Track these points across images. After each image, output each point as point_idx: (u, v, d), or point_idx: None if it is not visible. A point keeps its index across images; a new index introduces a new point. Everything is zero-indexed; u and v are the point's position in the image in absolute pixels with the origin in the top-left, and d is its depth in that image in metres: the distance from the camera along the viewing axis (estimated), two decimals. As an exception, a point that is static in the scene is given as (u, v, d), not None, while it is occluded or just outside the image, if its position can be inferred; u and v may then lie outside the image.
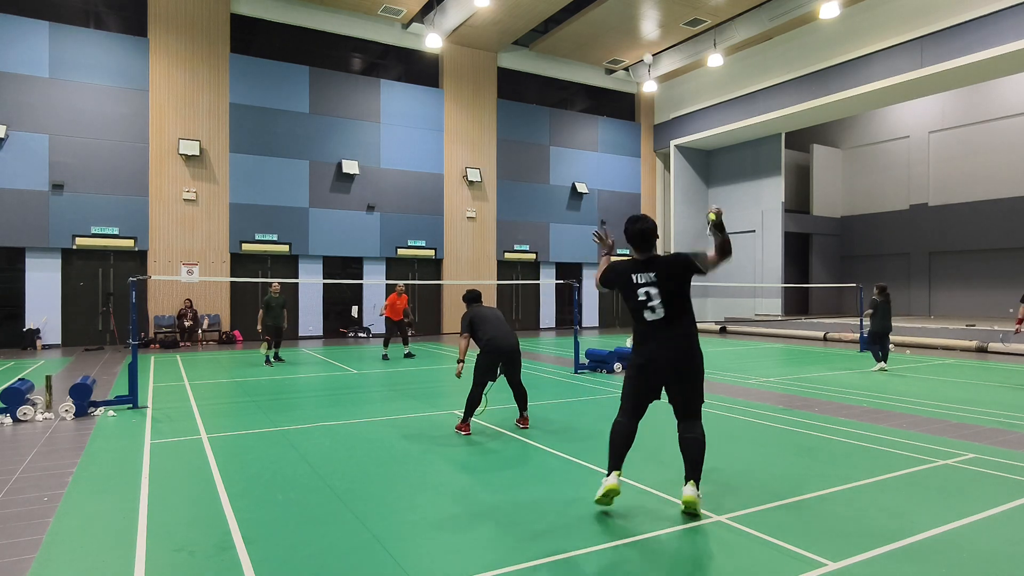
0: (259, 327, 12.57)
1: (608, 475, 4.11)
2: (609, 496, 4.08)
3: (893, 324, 11.65)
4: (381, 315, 14.05)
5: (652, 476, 5.01)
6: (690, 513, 4.07)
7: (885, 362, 11.48)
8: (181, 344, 16.61)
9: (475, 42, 21.48)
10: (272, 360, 12.57)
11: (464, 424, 6.60)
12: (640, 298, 4.13)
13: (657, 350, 4.10)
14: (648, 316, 4.12)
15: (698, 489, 4.09)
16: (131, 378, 8.00)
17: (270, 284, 13.10)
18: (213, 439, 6.33)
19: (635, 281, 4.16)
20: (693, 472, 4.10)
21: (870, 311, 11.70)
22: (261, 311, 12.53)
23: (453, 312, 21.41)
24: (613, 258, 4.56)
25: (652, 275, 4.13)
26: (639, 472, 5.10)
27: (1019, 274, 22.54)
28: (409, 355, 13.76)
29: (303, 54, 19.45)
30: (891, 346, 15.16)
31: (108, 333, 16.92)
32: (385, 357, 13.46)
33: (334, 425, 7.00)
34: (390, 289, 20.62)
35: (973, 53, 16.07)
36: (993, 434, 6.46)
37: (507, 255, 22.70)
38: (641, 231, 4.24)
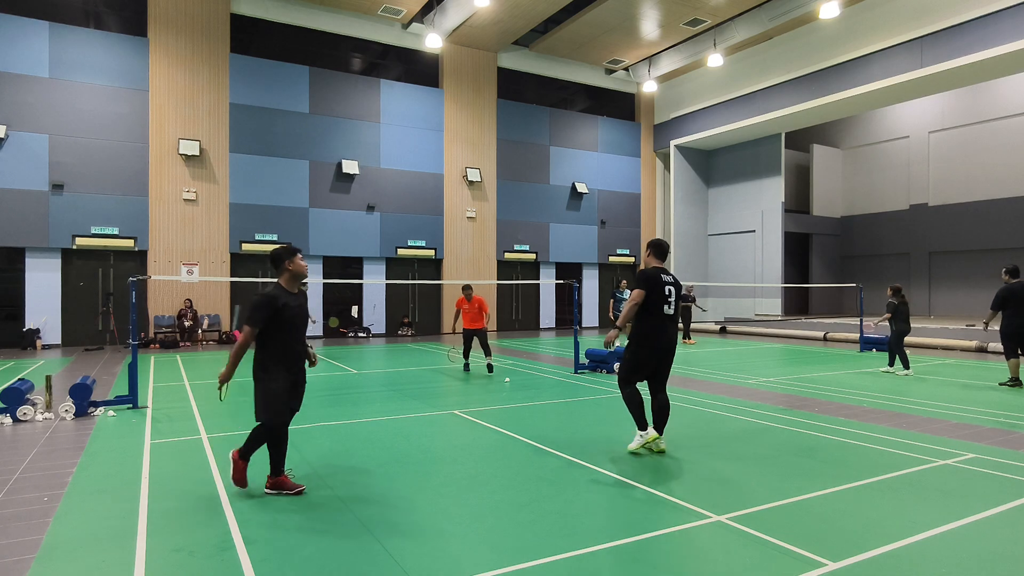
0: None
1: (644, 430, 5.63)
2: (648, 446, 5.66)
3: (893, 324, 11.33)
4: (456, 345, 11.87)
5: (652, 477, 5.02)
6: (659, 452, 5.66)
7: (906, 368, 10.90)
8: (181, 344, 16.61)
9: (475, 42, 21.47)
10: None
11: (275, 483, 4.58)
12: (665, 293, 5.64)
13: (670, 337, 5.67)
14: (666, 310, 5.65)
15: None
16: (131, 378, 8.01)
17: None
18: (213, 439, 6.33)
19: (663, 280, 5.70)
20: (662, 427, 5.72)
21: (888, 315, 11.02)
22: None
23: (453, 311, 21.39)
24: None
25: (671, 279, 5.77)
26: (639, 473, 5.11)
27: (1019, 274, 22.52)
28: (489, 367, 11.32)
29: (303, 54, 19.45)
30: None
31: (108, 333, 16.91)
32: (467, 368, 11.69)
33: (334, 425, 7.00)
34: (391, 289, 20.62)
35: (973, 53, 16.07)
36: (993, 434, 6.46)
37: (507, 255, 22.69)
38: (665, 246, 5.99)
